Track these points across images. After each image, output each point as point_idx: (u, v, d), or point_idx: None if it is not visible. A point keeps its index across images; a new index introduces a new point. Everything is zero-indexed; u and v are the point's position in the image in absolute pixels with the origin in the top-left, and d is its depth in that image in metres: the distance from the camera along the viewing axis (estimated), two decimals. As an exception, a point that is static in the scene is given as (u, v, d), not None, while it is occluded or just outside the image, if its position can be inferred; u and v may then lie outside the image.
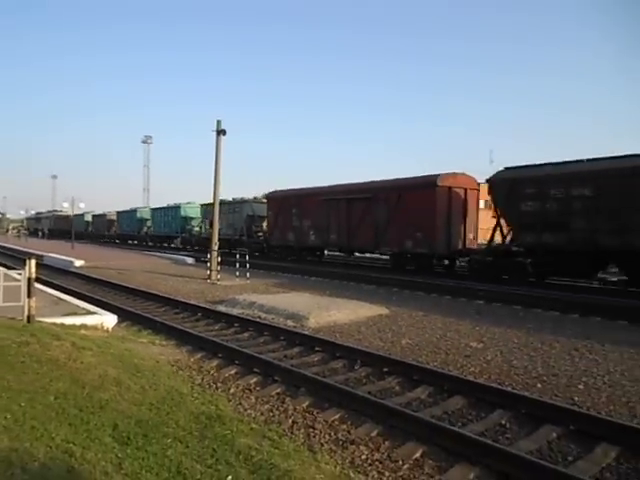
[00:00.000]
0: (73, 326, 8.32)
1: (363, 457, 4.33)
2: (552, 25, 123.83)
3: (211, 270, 17.66)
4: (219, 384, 6.32)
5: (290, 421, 5.12)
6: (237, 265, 18.52)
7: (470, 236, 18.25)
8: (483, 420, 5.18)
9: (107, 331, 8.81)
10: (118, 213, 51.22)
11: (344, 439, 4.69)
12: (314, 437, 4.73)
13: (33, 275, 8.20)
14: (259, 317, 10.49)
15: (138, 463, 3.48)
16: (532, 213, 14.85)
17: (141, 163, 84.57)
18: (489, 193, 16.87)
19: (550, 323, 9.96)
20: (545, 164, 15.18)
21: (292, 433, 4.78)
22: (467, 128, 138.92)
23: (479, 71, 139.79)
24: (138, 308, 11.81)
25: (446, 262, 19.31)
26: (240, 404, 5.57)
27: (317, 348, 7.97)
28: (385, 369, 6.81)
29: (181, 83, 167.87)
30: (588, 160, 14.16)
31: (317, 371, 6.86)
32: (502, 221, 16.49)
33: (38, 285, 10.59)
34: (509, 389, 6.00)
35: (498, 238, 16.83)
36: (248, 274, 17.77)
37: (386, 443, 4.61)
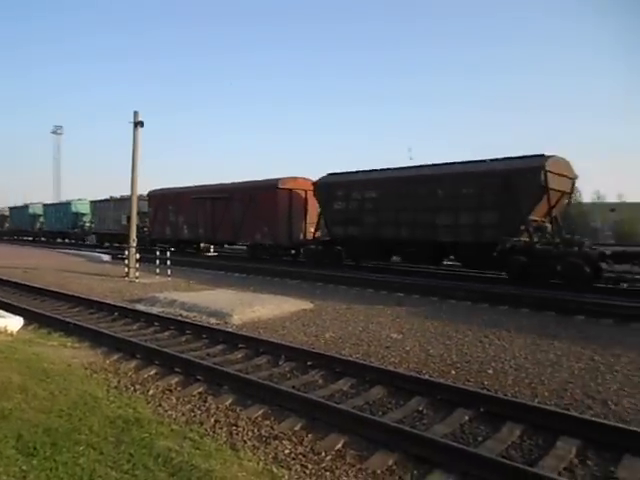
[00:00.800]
0: (-29, 331, 7.63)
1: (286, 451, 4.34)
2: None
3: (129, 267, 16.90)
4: (137, 386, 6.05)
5: (212, 420, 5.02)
6: (157, 262, 17.87)
7: (311, 229, 20.96)
8: (402, 408, 5.39)
9: (11, 335, 8.15)
10: (10, 209, 51.59)
11: (267, 435, 4.68)
12: (237, 435, 4.67)
13: None
14: (180, 315, 10.19)
15: (45, 474, 3.26)
16: (341, 211, 18.86)
17: (51, 155, 78.89)
18: (314, 194, 20.30)
19: (464, 312, 10.57)
20: (352, 172, 19.22)
21: (214, 432, 4.69)
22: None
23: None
24: (48, 309, 11.02)
25: (293, 252, 22.19)
26: (160, 405, 5.38)
27: (240, 345, 7.88)
28: (309, 363, 6.88)
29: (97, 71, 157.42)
30: (381, 169, 18.51)
31: (240, 368, 6.78)
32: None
33: None
34: (426, 377, 6.28)
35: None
36: (169, 271, 17.20)
37: (309, 436, 4.66)
